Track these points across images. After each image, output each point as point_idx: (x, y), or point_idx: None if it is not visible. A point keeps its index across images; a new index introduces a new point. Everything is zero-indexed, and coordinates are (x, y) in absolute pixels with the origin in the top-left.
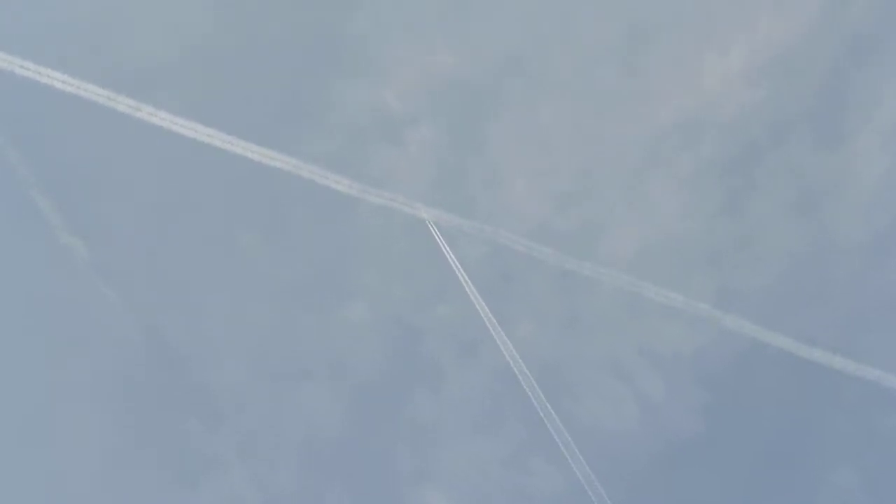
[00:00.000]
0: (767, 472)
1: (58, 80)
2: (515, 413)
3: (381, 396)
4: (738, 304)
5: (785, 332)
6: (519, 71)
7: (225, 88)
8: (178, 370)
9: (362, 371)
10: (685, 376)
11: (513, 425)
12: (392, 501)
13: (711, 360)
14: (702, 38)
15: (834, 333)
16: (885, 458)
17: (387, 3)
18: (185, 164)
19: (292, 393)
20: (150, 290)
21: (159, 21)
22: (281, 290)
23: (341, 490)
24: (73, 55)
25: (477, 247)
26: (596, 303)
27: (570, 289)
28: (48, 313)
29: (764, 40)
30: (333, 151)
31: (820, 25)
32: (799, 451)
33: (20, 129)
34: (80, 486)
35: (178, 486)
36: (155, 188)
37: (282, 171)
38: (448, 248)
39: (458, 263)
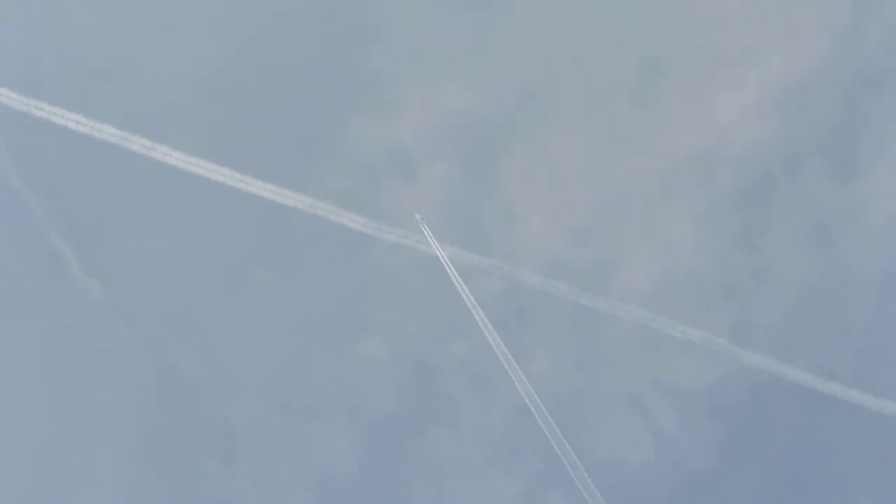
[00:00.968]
0: None
1: (73, 121)
2: (531, 447)
3: (396, 432)
4: (754, 337)
5: (801, 366)
6: (532, 106)
7: (239, 127)
8: (194, 407)
9: (378, 407)
10: (700, 410)
11: (528, 460)
12: None
13: (727, 393)
14: (714, 73)
15: (850, 366)
16: None
17: (400, 41)
18: (200, 203)
19: (308, 429)
20: (165, 328)
21: (173, 61)
22: (296, 327)
23: None
24: (88, 96)
25: (491, 282)
26: (611, 337)
27: (585, 323)
28: (65, 352)
29: (776, 74)
30: (348, 189)
31: (832, 59)
32: (816, 485)
33: (36, 170)
34: None
35: None
36: (170, 227)
37: (296, 210)
38: (462, 285)
39: (472, 299)
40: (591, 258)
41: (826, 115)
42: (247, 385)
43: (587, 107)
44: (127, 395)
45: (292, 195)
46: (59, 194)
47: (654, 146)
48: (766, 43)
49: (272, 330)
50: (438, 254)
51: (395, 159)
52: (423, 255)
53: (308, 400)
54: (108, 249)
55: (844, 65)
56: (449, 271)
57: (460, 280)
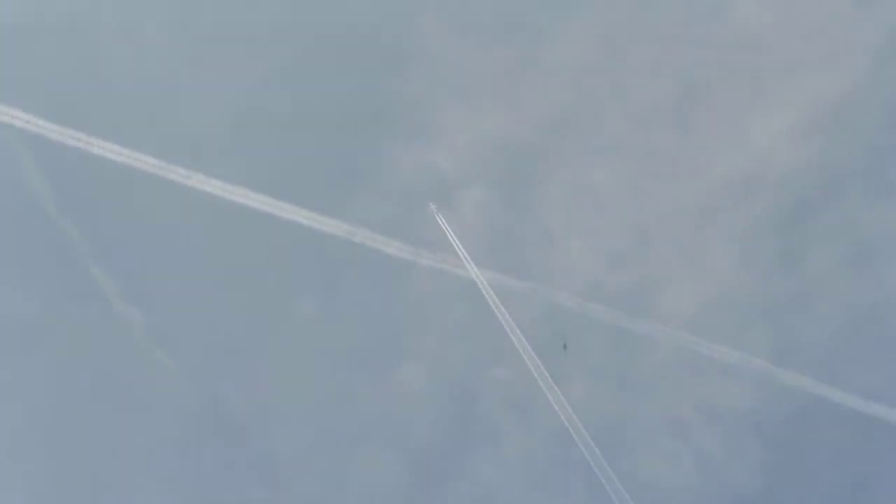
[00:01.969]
0: None
1: (110, 150)
2: (573, 473)
3: (438, 458)
4: (795, 359)
5: (842, 387)
6: (570, 131)
7: (276, 155)
8: (237, 434)
9: (419, 434)
10: (743, 432)
11: (571, 485)
12: None
13: (769, 415)
14: (753, 95)
15: (892, 387)
16: None
17: (437, 68)
18: (238, 231)
19: (351, 457)
20: (206, 355)
21: (209, 90)
22: (336, 354)
23: None
24: (124, 126)
25: (531, 307)
26: (652, 360)
27: (625, 347)
28: (106, 380)
29: (816, 96)
30: (386, 215)
31: (872, 80)
32: None
33: (75, 200)
34: None
35: None
36: (208, 255)
37: (335, 236)
38: (502, 310)
39: (511, 324)
40: (631, 281)
41: (865, 136)
42: (288, 412)
43: (625, 131)
44: (169, 423)
45: (331, 222)
46: (97, 224)
47: (692, 169)
48: (805, 65)
49: (313, 357)
50: (472, 273)
51: (433, 185)
52: (463, 280)
53: (349, 427)
54: (148, 278)
55: (884, 85)
56: (487, 296)
57: (500, 305)
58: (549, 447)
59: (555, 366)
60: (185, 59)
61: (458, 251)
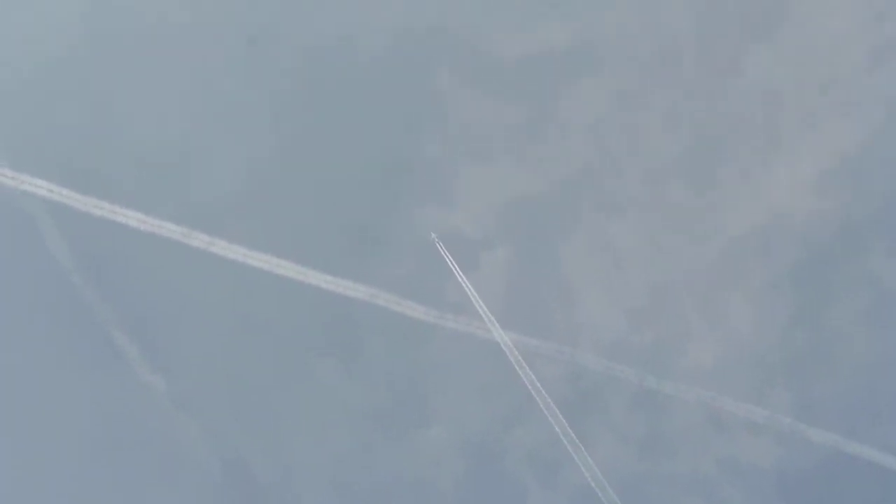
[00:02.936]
0: None
1: (133, 218)
2: None
3: None
4: (818, 414)
5: (868, 442)
6: (588, 188)
7: (296, 219)
8: (261, 499)
9: (445, 495)
10: (768, 489)
11: None
12: None
13: (794, 471)
14: (769, 148)
15: None
16: None
17: (453, 129)
18: (261, 296)
19: None
20: (230, 421)
21: (229, 155)
22: (359, 418)
23: None
24: (146, 193)
25: (554, 367)
26: (675, 418)
27: (649, 405)
28: (131, 448)
29: (832, 148)
30: (407, 277)
31: (889, 131)
32: None
33: (98, 269)
34: None
35: None
36: (231, 321)
37: (356, 300)
38: (526, 370)
39: (536, 384)
40: (651, 339)
41: (884, 187)
42: (312, 476)
43: (642, 186)
44: (193, 488)
45: (352, 285)
46: (121, 292)
47: (711, 224)
48: (822, 117)
49: (336, 421)
50: (496, 333)
51: (453, 246)
52: (485, 341)
53: (373, 490)
54: (171, 345)
55: None
56: (511, 356)
57: (523, 365)
58: None
59: (580, 425)
60: (205, 125)
61: (482, 312)
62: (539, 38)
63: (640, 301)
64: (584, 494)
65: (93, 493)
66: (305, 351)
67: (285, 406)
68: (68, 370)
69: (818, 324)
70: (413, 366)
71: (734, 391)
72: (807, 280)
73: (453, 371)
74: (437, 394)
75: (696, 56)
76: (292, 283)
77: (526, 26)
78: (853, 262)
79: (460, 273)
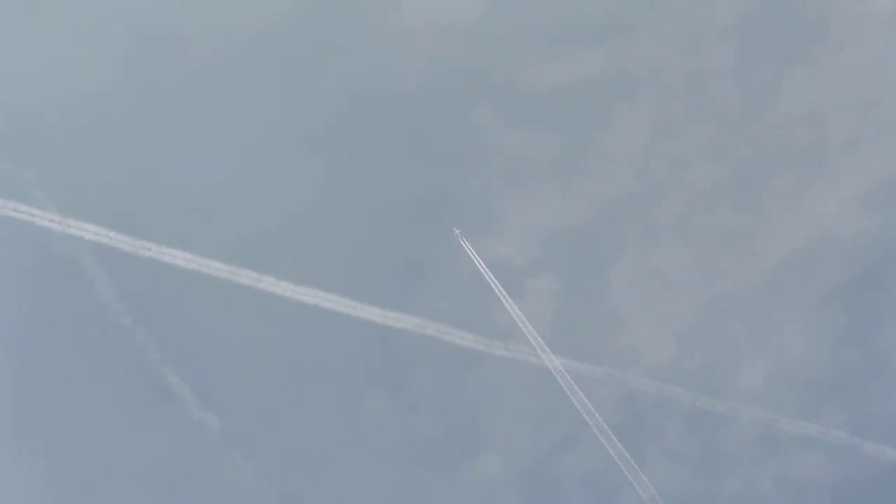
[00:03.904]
0: None
1: (180, 258)
2: None
3: None
4: (872, 429)
5: None
6: (632, 213)
7: (343, 253)
8: None
9: None
10: None
11: None
12: None
13: (851, 487)
14: (814, 168)
15: None
16: None
17: (496, 161)
18: (309, 331)
19: None
20: (282, 457)
21: (275, 193)
22: (411, 450)
23: None
24: (192, 233)
25: (606, 390)
26: (730, 437)
27: (703, 425)
28: (188, 487)
29: (876, 167)
30: (455, 307)
31: None
32: None
33: (148, 310)
34: None
35: None
36: (280, 356)
37: (406, 331)
38: (577, 394)
39: (589, 408)
40: (703, 360)
41: None
42: None
43: (686, 210)
44: None
45: (401, 317)
46: (171, 332)
47: (757, 245)
48: (865, 137)
49: (387, 454)
50: (546, 359)
51: (500, 274)
52: (536, 367)
53: None
54: (222, 383)
55: None
56: (562, 382)
57: (576, 390)
58: None
59: (635, 447)
60: (247, 162)
61: (531, 339)
62: (573, 67)
63: (690, 323)
64: None
65: None
66: (355, 384)
67: (337, 440)
68: (122, 412)
69: (868, 340)
70: (463, 395)
71: (787, 408)
72: (855, 298)
73: (504, 398)
74: (488, 422)
75: (736, 79)
76: (340, 316)
77: (560, 56)
78: None
79: (508, 300)
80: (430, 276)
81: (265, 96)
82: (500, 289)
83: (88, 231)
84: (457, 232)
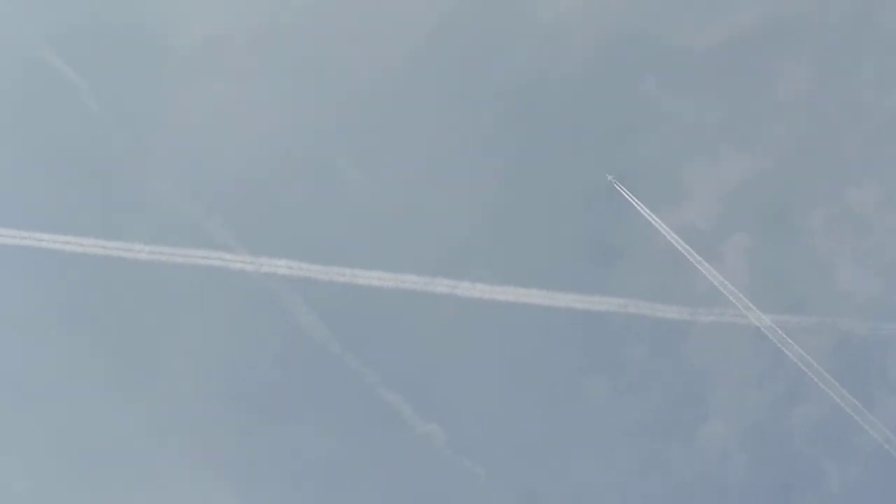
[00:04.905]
0: None
1: (374, 277)
2: None
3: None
4: None
5: None
6: (814, 158)
7: (532, 246)
8: None
9: (741, 485)
10: None
11: None
12: None
13: None
14: None
15: None
16: None
17: (667, 128)
18: (513, 328)
19: None
20: (513, 455)
21: (452, 197)
22: (637, 428)
23: None
24: (380, 251)
25: (819, 339)
26: None
27: None
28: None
29: None
30: (653, 281)
31: None
32: None
33: (353, 333)
34: None
35: None
36: (490, 356)
37: (608, 313)
38: (792, 347)
39: (806, 359)
40: None
41: None
42: (603, 495)
43: (868, 149)
44: None
45: (601, 299)
46: (379, 350)
47: None
48: None
49: (614, 436)
50: (754, 318)
51: (692, 240)
52: (744, 327)
53: (670, 495)
54: (439, 393)
55: None
56: (773, 338)
57: (789, 342)
58: (873, 472)
59: (860, 390)
60: (423, 170)
61: (734, 300)
62: (730, 24)
63: (892, 256)
64: (880, 457)
65: None
66: (570, 374)
67: (563, 430)
68: (350, 441)
69: None
70: (678, 366)
71: None
72: None
73: (719, 363)
74: (708, 388)
75: None
76: (540, 309)
77: (711, 14)
78: None
79: (704, 264)
80: (622, 254)
81: (432, 104)
82: (694, 255)
83: (281, 266)
84: (610, 178)
